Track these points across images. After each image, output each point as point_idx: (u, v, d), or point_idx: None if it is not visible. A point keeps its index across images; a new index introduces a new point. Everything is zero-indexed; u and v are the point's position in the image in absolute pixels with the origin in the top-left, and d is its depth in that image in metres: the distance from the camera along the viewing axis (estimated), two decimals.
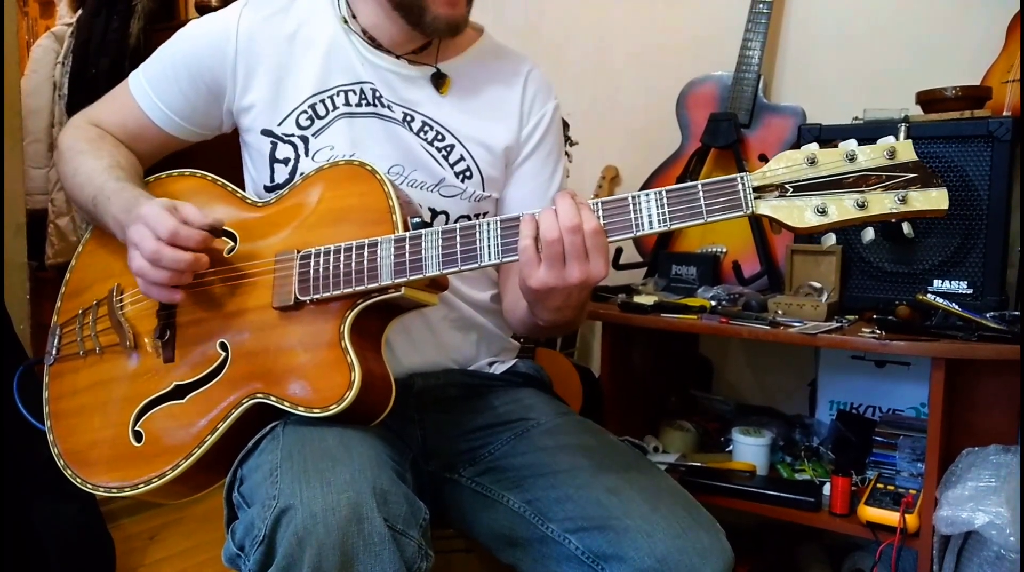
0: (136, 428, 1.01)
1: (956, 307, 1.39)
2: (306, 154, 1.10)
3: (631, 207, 0.86)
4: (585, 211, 0.86)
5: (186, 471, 0.97)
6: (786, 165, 0.82)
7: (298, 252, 0.98)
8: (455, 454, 1.13)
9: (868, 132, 1.56)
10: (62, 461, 1.05)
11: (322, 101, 1.11)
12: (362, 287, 0.93)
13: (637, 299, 1.62)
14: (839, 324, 1.45)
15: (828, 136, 1.56)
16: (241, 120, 1.14)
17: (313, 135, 1.11)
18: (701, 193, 0.84)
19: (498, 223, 0.90)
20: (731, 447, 1.69)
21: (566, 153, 1.98)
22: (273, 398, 0.95)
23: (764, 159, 1.79)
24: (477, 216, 1.16)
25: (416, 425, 1.14)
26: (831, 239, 0.86)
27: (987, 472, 1.35)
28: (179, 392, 1.00)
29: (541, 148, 1.20)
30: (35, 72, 3.01)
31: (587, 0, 2.23)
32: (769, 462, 1.64)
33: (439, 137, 1.14)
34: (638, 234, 0.86)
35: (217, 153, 1.26)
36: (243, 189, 1.12)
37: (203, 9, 2.96)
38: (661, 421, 1.81)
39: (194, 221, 0.96)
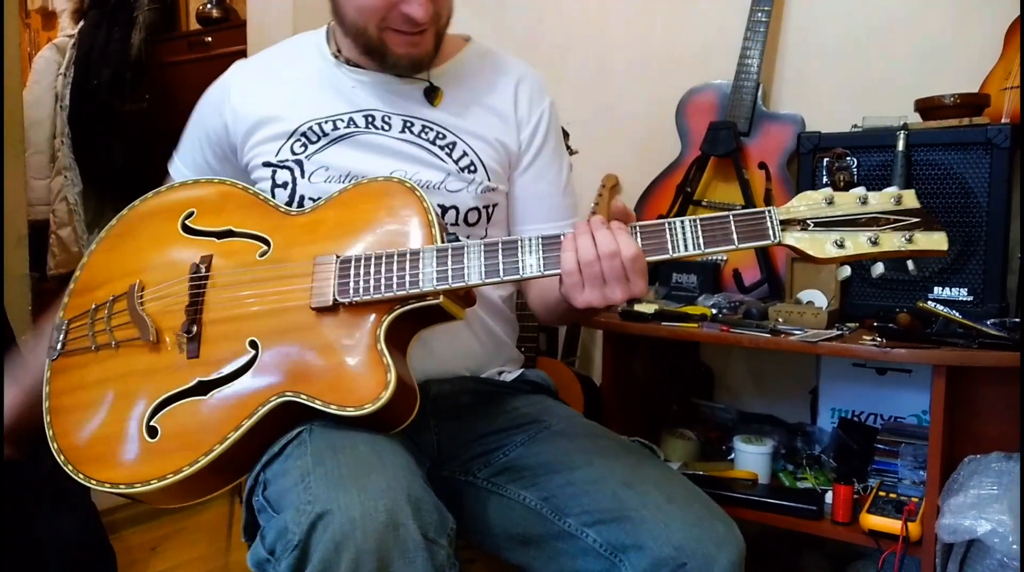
0: (151, 423, 0.99)
1: (957, 314, 1.39)
2: (302, 176, 1.14)
3: (667, 231, 0.94)
4: (622, 236, 0.92)
5: (202, 469, 0.95)
6: (807, 204, 0.93)
7: (338, 257, 1.00)
8: (469, 458, 1.14)
9: (867, 140, 1.56)
10: (62, 457, 1.02)
11: (311, 128, 1.16)
12: (403, 292, 0.97)
13: (638, 307, 1.62)
14: (840, 332, 1.45)
15: (827, 144, 1.57)
16: (247, 163, 1.20)
17: (307, 158, 1.14)
18: (732, 223, 0.93)
19: (539, 239, 0.97)
20: (733, 455, 1.68)
21: None
22: (304, 397, 0.95)
23: (763, 167, 1.79)
24: (486, 208, 1.19)
25: (431, 432, 1.14)
26: (846, 272, 0.94)
27: (989, 480, 1.35)
28: (202, 388, 0.99)
29: (546, 147, 1.24)
30: (37, 83, 3.03)
31: (587, 10, 2.24)
32: (771, 470, 1.64)
33: (440, 136, 1.17)
34: (674, 256, 0.93)
35: None
36: None
37: (204, 21, 2.98)
38: (662, 429, 1.80)
39: None
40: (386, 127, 1.16)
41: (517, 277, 0.97)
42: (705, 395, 2.01)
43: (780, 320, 1.51)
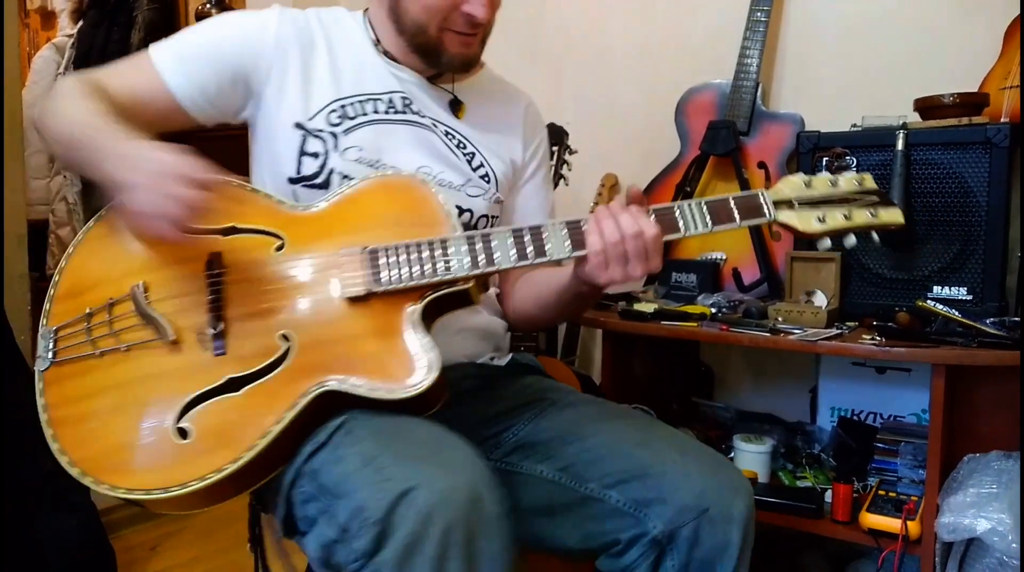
0: (180, 425, 0.97)
1: (956, 313, 1.39)
2: (335, 149, 1.14)
3: (677, 213, 1.04)
4: (642, 218, 1.00)
5: (245, 465, 0.94)
6: (789, 186, 1.08)
7: (365, 247, 1.02)
8: (480, 441, 1.15)
9: (866, 139, 1.57)
10: (77, 469, 0.97)
11: (351, 104, 1.16)
12: (436, 279, 1.01)
13: (637, 307, 1.62)
14: (839, 331, 1.45)
15: (827, 143, 1.57)
16: (268, 114, 1.15)
17: (344, 133, 1.14)
18: (732, 204, 1.05)
19: (564, 224, 1.03)
20: (732, 454, 1.68)
21: (566, 162, 2.02)
22: (350, 383, 0.97)
23: (763, 166, 1.80)
24: (494, 218, 1.24)
25: (440, 420, 1.15)
26: (827, 243, 1.08)
27: (989, 478, 1.35)
28: (233, 385, 0.98)
29: (540, 171, 1.33)
30: (36, 83, 3.02)
31: (586, 10, 2.24)
32: (771, 469, 1.64)
33: (461, 145, 1.22)
34: (685, 235, 1.04)
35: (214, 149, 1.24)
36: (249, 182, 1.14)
37: (204, 20, 2.98)
38: None
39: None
40: (420, 116, 1.19)
41: (546, 259, 1.03)
42: (705, 394, 2.01)
43: (780, 319, 1.52)
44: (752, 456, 1.63)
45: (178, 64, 1.14)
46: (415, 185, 1.07)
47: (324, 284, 1.02)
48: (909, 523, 1.38)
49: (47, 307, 1.08)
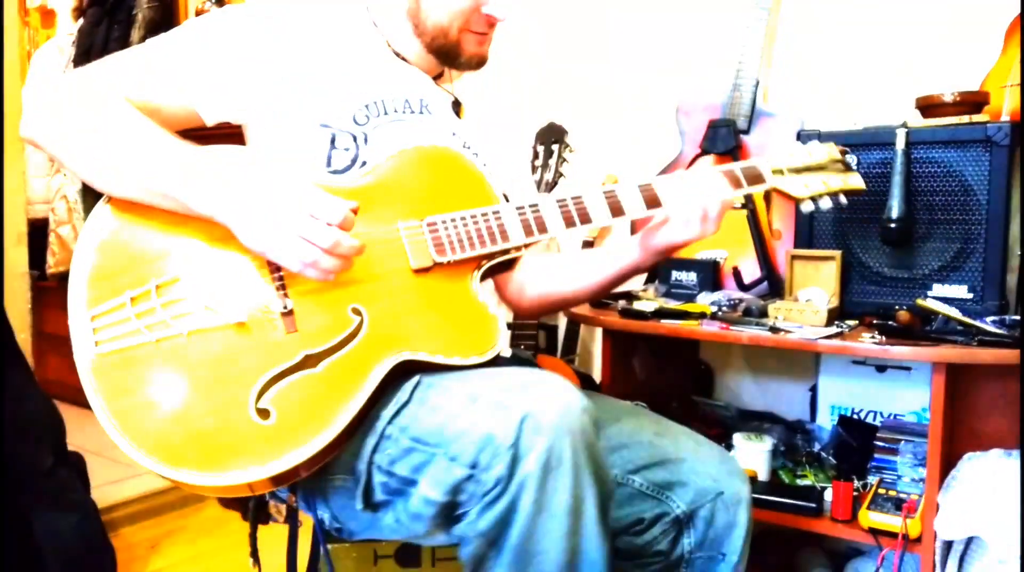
0: (260, 406, 0.95)
1: (956, 312, 1.39)
2: (365, 143, 1.14)
3: (704, 182, 1.18)
4: (715, 174, 1.20)
5: (334, 441, 0.95)
6: (777, 153, 1.28)
7: (424, 219, 1.07)
8: None
9: (866, 138, 1.56)
10: (151, 460, 0.92)
11: (374, 103, 1.15)
12: (496, 247, 1.08)
13: (637, 305, 1.62)
14: (839, 329, 1.45)
15: (826, 142, 1.56)
16: (285, 111, 1.11)
17: (369, 131, 1.14)
18: (739, 171, 1.22)
19: (601, 191, 1.14)
20: (732, 453, 1.68)
21: (565, 160, 2.02)
22: (424, 353, 1.01)
23: None
24: None
25: None
26: (810, 206, 1.28)
27: (988, 477, 1.35)
28: (310, 361, 0.98)
29: (527, 166, 1.45)
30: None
31: (585, 8, 2.24)
32: (770, 468, 1.64)
33: (466, 146, 1.23)
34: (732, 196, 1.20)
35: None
36: None
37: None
38: None
39: (340, 205, 0.95)
40: (434, 117, 1.21)
41: (591, 225, 1.13)
42: (705, 393, 2.01)
43: (780, 318, 1.51)
44: (752, 454, 1.63)
45: (209, 84, 1.08)
46: (454, 156, 1.13)
47: (388, 257, 1.05)
48: (909, 522, 1.38)
49: (79, 290, 0.99)
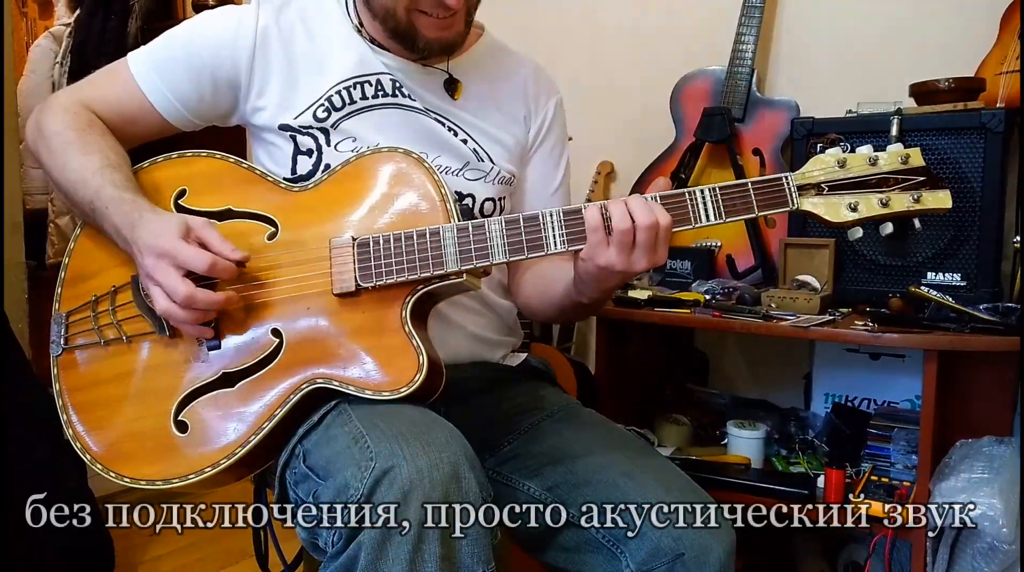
0: (179, 418, 0.99)
1: (949, 299, 1.39)
2: (327, 144, 1.11)
3: (688, 202, 0.95)
4: (657, 208, 0.93)
5: (241, 458, 0.96)
6: (820, 168, 0.94)
7: (354, 239, 0.99)
8: (475, 445, 1.15)
9: (861, 125, 1.56)
10: (88, 456, 1.01)
11: (338, 93, 1.12)
12: (427, 274, 0.97)
13: (632, 294, 1.63)
14: (832, 317, 1.45)
15: (821, 130, 1.57)
16: (255, 117, 1.14)
17: (332, 127, 1.11)
18: (752, 191, 0.94)
19: (561, 213, 0.96)
20: (726, 440, 1.69)
21: None
22: (336, 383, 0.96)
23: (758, 153, 1.79)
24: (500, 199, 1.20)
25: (440, 414, 1.15)
26: (859, 233, 0.96)
27: (980, 464, 1.35)
28: (227, 380, 0.99)
29: (546, 142, 1.27)
30: (34, 72, 3.01)
31: None
32: (764, 455, 1.65)
33: (453, 131, 1.17)
34: (696, 226, 0.95)
35: (214, 138, 1.23)
36: None
37: (200, 9, 2.97)
38: (656, 415, 1.81)
39: (223, 251, 0.96)
40: (411, 100, 1.15)
41: (542, 254, 0.97)
42: (699, 381, 2.01)
43: (773, 305, 1.52)
44: (746, 442, 1.64)
45: (158, 78, 1.12)
46: (410, 163, 1.02)
47: (316, 277, 1.01)
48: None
49: (58, 291, 1.09)
